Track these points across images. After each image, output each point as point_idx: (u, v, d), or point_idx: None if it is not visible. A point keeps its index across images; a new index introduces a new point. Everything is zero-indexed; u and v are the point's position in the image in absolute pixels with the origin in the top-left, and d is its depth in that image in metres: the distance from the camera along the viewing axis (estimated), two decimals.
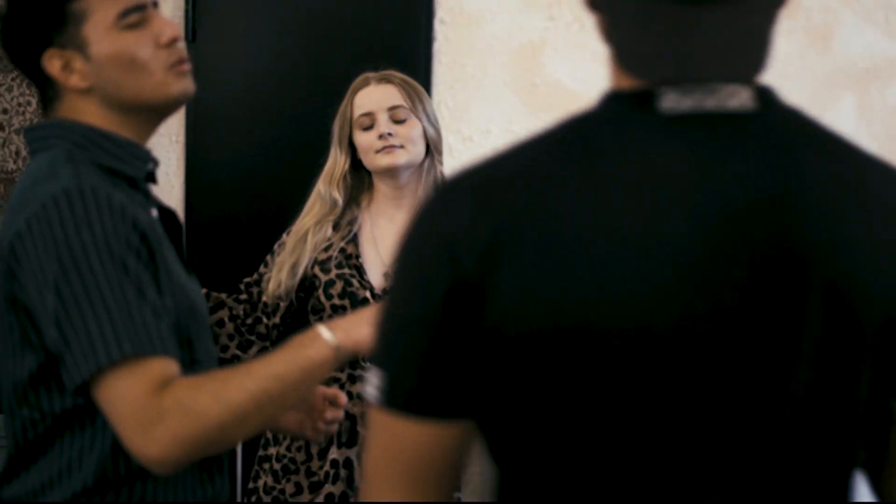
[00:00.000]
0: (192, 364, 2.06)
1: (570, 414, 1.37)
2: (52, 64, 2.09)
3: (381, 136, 3.20)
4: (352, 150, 3.30)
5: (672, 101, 1.37)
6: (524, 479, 1.45)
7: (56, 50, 2.07)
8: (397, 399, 1.41)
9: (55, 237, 1.89)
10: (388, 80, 3.32)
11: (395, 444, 1.45)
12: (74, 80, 2.08)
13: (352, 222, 3.28)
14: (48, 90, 2.13)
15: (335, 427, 2.51)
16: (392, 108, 3.23)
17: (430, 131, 3.25)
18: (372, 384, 1.41)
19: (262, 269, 3.37)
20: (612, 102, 1.41)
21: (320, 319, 3.20)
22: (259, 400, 1.91)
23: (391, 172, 3.22)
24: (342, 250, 3.24)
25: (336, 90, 4.47)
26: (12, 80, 4.60)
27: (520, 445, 1.43)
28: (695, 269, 1.34)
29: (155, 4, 2.17)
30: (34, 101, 4.63)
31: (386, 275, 3.21)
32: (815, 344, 1.35)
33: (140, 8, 2.09)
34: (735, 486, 1.38)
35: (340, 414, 2.49)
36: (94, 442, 1.97)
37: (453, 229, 1.38)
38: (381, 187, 3.29)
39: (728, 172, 1.37)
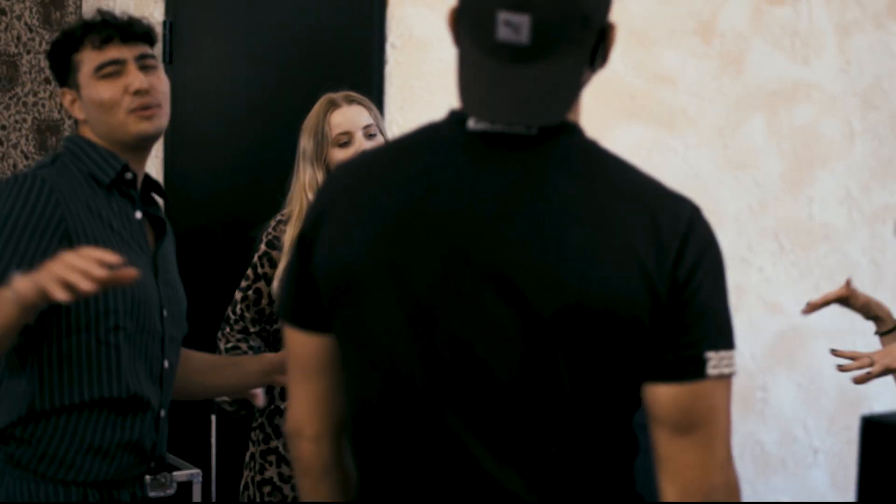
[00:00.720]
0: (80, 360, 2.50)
1: (357, 319, 1.81)
2: (65, 99, 2.65)
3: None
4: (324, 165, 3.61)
5: (474, 124, 1.77)
6: (350, 377, 1.89)
7: (67, 89, 2.63)
8: (282, 313, 1.93)
9: (12, 205, 2.42)
10: (357, 102, 3.65)
11: (288, 347, 1.96)
12: (76, 113, 2.63)
13: None
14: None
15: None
16: (366, 127, 3.58)
17: None
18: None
19: (243, 283, 3.62)
20: (450, 117, 1.84)
21: None
22: None
23: None
24: None
25: (299, 109, 4.77)
26: (10, 98, 4.96)
27: (348, 355, 1.87)
28: (433, 228, 1.75)
29: (142, 57, 2.61)
30: (29, 119, 5.01)
31: None
32: (507, 321, 1.71)
33: (114, 62, 2.56)
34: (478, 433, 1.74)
35: None
36: (24, 382, 2.48)
37: (314, 202, 1.90)
38: None
39: (493, 173, 1.75)
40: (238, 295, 3.57)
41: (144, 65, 2.58)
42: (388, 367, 1.80)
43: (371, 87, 5.39)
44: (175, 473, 4.15)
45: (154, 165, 5.14)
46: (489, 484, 1.74)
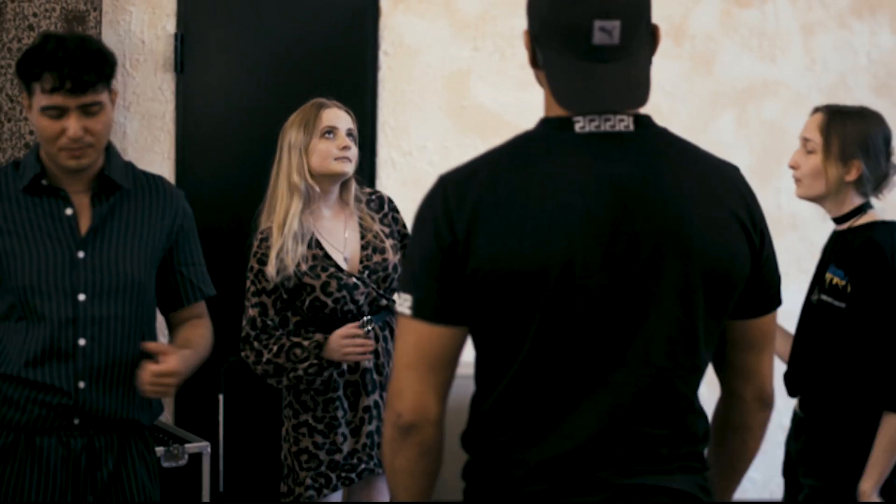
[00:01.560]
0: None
1: (517, 321, 2.03)
2: (24, 102, 2.91)
3: (343, 147, 3.76)
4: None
5: (582, 125, 2.06)
6: (493, 372, 2.11)
7: (26, 97, 2.90)
8: (423, 312, 2.08)
9: None
10: (343, 109, 3.91)
11: (419, 342, 2.09)
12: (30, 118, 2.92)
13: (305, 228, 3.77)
14: None
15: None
16: (349, 129, 3.84)
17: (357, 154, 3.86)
18: (403, 304, 2.10)
19: (253, 299, 3.79)
20: (545, 125, 2.12)
21: (322, 313, 3.73)
22: None
23: (337, 178, 3.79)
24: (315, 256, 3.75)
25: None
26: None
27: (491, 344, 2.09)
28: (595, 227, 2.00)
29: (85, 106, 2.83)
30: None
31: (346, 259, 3.78)
32: (668, 282, 2.01)
33: (57, 108, 2.82)
34: (622, 375, 2.03)
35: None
36: None
37: (451, 206, 2.05)
38: (322, 189, 3.78)
39: (615, 169, 2.03)
40: (253, 311, 3.79)
41: (87, 111, 2.84)
42: (552, 340, 2.04)
43: (365, 91, 5.64)
44: (186, 446, 4.48)
45: (166, 167, 5.36)
46: (631, 440, 2.07)
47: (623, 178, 2.04)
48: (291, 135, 3.82)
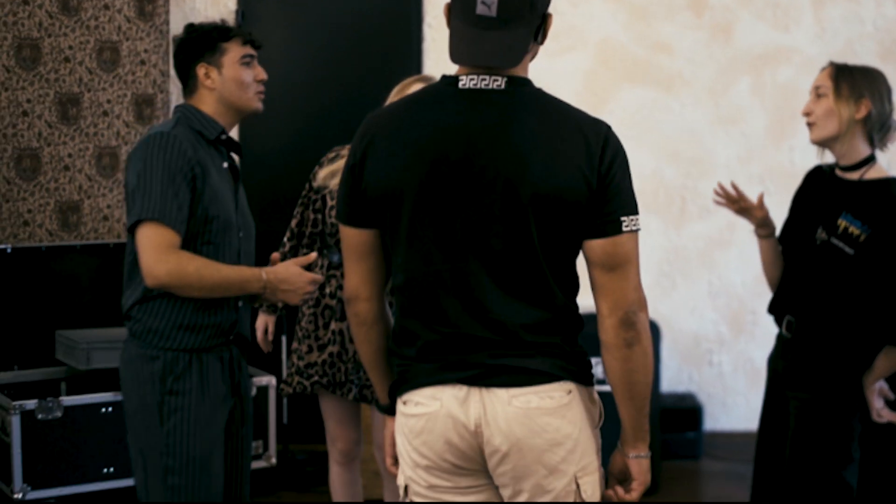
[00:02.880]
0: (214, 256, 3.27)
1: (393, 228, 2.55)
2: (199, 70, 3.35)
3: None
4: None
5: (464, 82, 2.53)
6: (397, 288, 2.62)
7: (204, 64, 3.35)
8: (340, 217, 2.66)
9: (141, 152, 3.18)
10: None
11: (345, 240, 2.68)
12: (206, 82, 3.36)
13: None
14: (188, 84, 3.39)
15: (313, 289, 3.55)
16: None
17: None
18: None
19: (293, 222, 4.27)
20: (441, 81, 2.60)
21: (322, 233, 4.19)
22: (212, 287, 3.17)
23: None
24: None
25: (351, 81, 5.38)
26: (113, 77, 5.65)
27: (393, 256, 2.61)
28: (450, 158, 2.48)
29: (255, 55, 3.40)
30: (129, 94, 5.69)
31: None
32: (504, 200, 2.47)
33: (251, 56, 3.37)
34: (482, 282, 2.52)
35: (320, 278, 3.53)
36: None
37: (359, 137, 2.60)
38: None
39: (479, 116, 2.48)
40: (293, 222, 4.26)
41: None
42: (424, 247, 2.55)
43: (411, 61, 6.04)
44: (254, 380, 4.94)
45: (233, 134, 5.80)
46: (496, 323, 2.54)
47: (482, 123, 2.51)
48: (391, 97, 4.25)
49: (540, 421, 2.51)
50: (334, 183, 4.12)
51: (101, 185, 5.63)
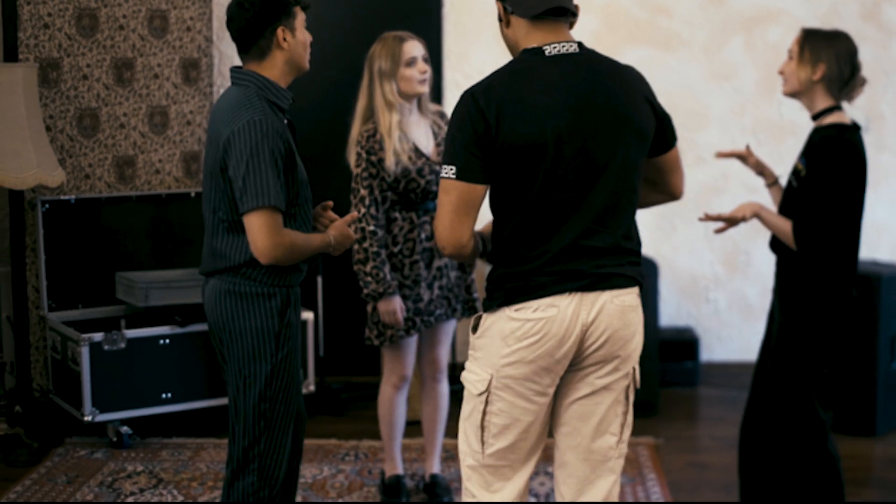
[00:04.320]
0: (300, 219, 3.59)
1: (528, 174, 2.96)
2: (279, 34, 3.46)
3: (423, 72, 4.52)
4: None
5: (548, 51, 3.01)
6: (505, 220, 3.05)
7: (283, 27, 3.53)
8: (465, 175, 2.99)
9: (247, 140, 3.40)
10: (418, 39, 4.63)
11: (461, 196, 3.01)
12: (281, 43, 3.52)
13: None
14: (256, 48, 3.52)
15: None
16: (424, 56, 4.58)
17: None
18: (447, 171, 3.01)
19: (365, 183, 4.47)
20: (526, 53, 3.04)
21: (414, 193, 4.48)
22: (304, 256, 3.52)
23: (420, 95, 4.56)
24: (411, 149, 4.50)
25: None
26: (162, 43, 6.00)
27: (509, 192, 3.01)
28: (569, 113, 2.95)
29: None
30: (177, 58, 6.07)
31: (427, 148, 4.53)
32: (616, 141, 2.99)
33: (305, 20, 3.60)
34: (599, 215, 3.01)
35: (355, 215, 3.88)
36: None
37: (482, 105, 2.95)
38: (405, 105, 4.52)
39: (573, 76, 2.97)
40: (364, 191, 4.51)
41: None
42: (550, 183, 2.98)
43: (431, 24, 6.41)
44: None
45: None
46: (599, 243, 3.04)
47: (578, 82, 3.00)
48: (381, 63, 4.55)
49: (629, 316, 3.06)
50: (404, 163, 4.50)
51: (153, 141, 6.06)
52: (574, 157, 2.97)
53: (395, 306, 4.46)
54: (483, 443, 3.09)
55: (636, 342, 3.09)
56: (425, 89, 4.56)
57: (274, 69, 3.52)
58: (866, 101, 6.67)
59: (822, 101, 3.98)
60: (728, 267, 6.73)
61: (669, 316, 6.76)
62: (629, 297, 3.05)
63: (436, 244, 4.39)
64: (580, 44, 3.04)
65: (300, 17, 3.53)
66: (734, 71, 6.59)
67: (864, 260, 6.13)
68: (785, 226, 3.95)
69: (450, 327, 4.73)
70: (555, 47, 3.01)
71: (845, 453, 5.35)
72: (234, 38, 3.50)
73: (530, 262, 3.02)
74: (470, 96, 3.01)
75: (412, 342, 4.66)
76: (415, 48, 4.56)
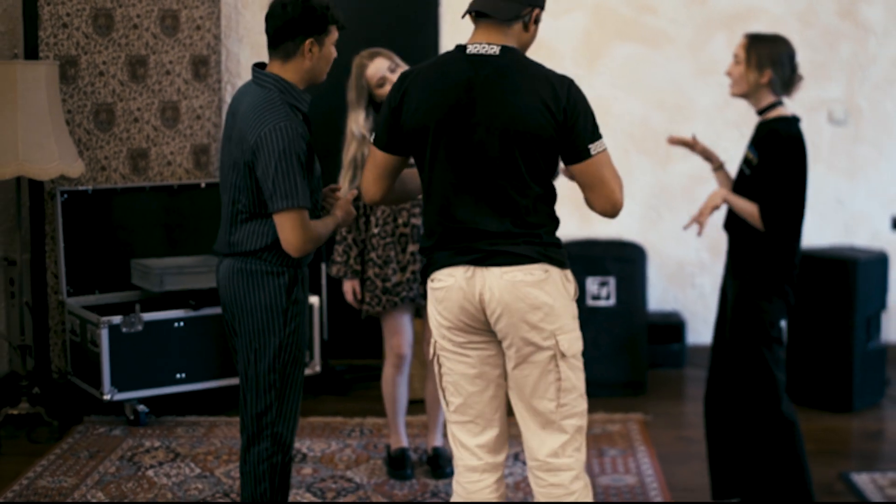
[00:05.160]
0: (315, 209, 3.89)
1: (422, 153, 3.30)
2: (307, 44, 3.66)
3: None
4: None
5: (470, 50, 3.26)
6: (423, 197, 3.37)
7: (313, 40, 3.74)
8: (379, 143, 3.40)
9: (275, 145, 3.67)
10: (378, 55, 4.78)
11: (374, 160, 3.43)
12: (308, 55, 3.74)
13: None
14: (283, 48, 3.73)
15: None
16: (390, 69, 4.72)
17: None
18: (372, 139, 3.43)
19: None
20: (455, 49, 3.32)
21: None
22: (326, 236, 3.80)
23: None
24: None
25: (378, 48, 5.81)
26: (173, 41, 6.26)
27: (421, 174, 3.36)
28: (457, 103, 3.21)
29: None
30: (187, 55, 6.29)
31: None
32: (495, 135, 3.20)
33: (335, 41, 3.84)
34: (486, 201, 3.26)
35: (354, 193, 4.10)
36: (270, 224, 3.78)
37: (396, 87, 3.33)
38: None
39: (478, 73, 3.21)
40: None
41: None
42: (442, 166, 3.29)
43: (428, 28, 6.65)
44: None
45: None
46: (491, 227, 3.30)
47: (481, 78, 3.26)
48: (349, 95, 4.82)
49: (522, 290, 3.28)
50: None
51: (165, 134, 6.31)
52: (458, 146, 3.28)
53: (347, 287, 4.91)
54: (447, 402, 3.45)
55: (541, 314, 3.29)
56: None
57: (294, 73, 3.73)
58: (844, 96, 6.96)
59: (767, 99, 4.35)
60: (713, 253, 6.97)
61: (657, 300, 7.02)
62: (520, 274, 3.27)
63: (413, 227, 4.80)
64: (504, 47, 3.26)
65: (332, 36, 3.75)
66: (718, 66, 6.67)
67: (843, 246, 6.48)
68: (752, 209, 4.27)
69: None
70: (475, 47, 3.28)
71: (825, 427, 5.68)
72: (267, 33, 3.70)
73: (433, 236, 3.38)
74: (400, 75, 3.41)
75: (402, 324, 4.94)
76: (380, 67, 4.77)
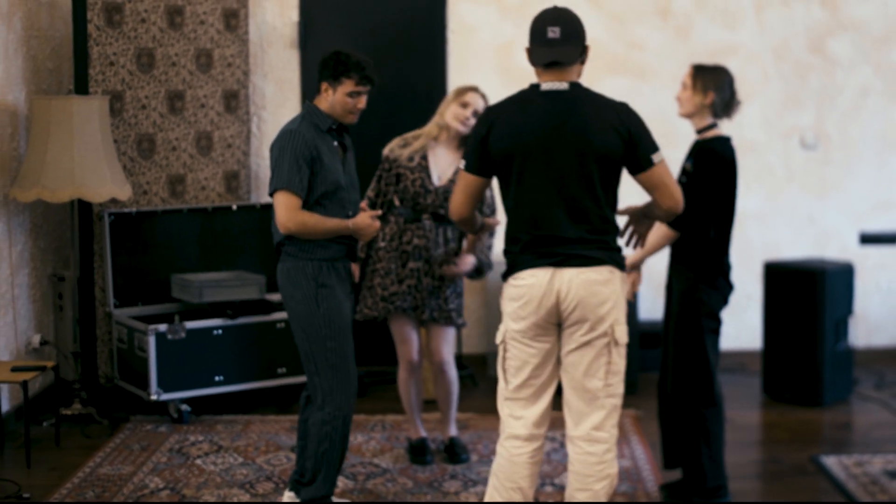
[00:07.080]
0: (332, 212, 4.39)
1: (509, 175, 3.90)
2: (323, 86, 4.46)
3: (465, 118, 5.22)
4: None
5: (544, 88, 3.89)
6: (508, 210, 3.95)
7: (328, 84, 4.45)
8: (470, 168, 4.01)
9: (278, 143, 4.36)
10: (474, 90, 5.38)
11: (465, 183, 4.03)
12: (325, 97, 4.44)
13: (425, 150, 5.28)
14: (317, 88, 4.45)
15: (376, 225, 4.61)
16: (475, 110, 5.27)
17: None
18: (462, 163, 4.01)
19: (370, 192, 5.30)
20: (529, 88, 3.95)
21: (393, 197, 5.27)
22: (321, 233, 4.36)
23: (460, 133, 5.27)
24: (420, 160, 5.25)
25: (391, 75, 6.14)
26: (207, 76, 6.70)
27: (502, 187, 3.98)
28: (541, 133, 3.82)
29: (367, 91, 4.45)
30: (219, 90, 6.74)
31: (439, 177, 5.27)
32: (576, 159, 3.82)
33: (357, 93, 4.44)
34: (569, 219, 3.85)
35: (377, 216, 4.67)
36: None
37: (483, 120, 3.96)
38: (446, 135, 5.30)
39: (555, 108, 3.83)
40: (371, 192, 5.35)
41: (364, 94, 4.49)
42: (527, 186, 3.85)
43: (437, 60, 7.09)
44: None
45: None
46: (568, 234, 3.86)
47: (557, 112, 3.81)
48: (442, 107, 5.39)
49: (593, 288, 3.82)
50: (404, 154, 5.30)
51: (200, 161, 6.82)
52: (541, 166, 3.81)
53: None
54: (507, 381, 3.96)
55: (607, 307, 3.84)
56: (462, 129, 5.31)
57: (323, 105, 4.47)
58: (814, 123, 7.41)
59: (706, 120, 4.88)
60: None
61: (647, 310, 7.48)
62: (593, 273, 3.82)
63: (415, 247, 5.28)
64: (572, 83, 3.85)
65: (346, 86, 4.41)
66: None
67: (813, 259, 6.94)
68: (661, 237, 4.78)
69: (441, 328, 5.43)
70: (549, 85, 3.85)
71: (798, 419, 6.24)
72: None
73: (518, 244, 3.90)
74: (485, 111, 4.02)
75: (409, 334, 5.42)
76: (475, 99, 5.33)
